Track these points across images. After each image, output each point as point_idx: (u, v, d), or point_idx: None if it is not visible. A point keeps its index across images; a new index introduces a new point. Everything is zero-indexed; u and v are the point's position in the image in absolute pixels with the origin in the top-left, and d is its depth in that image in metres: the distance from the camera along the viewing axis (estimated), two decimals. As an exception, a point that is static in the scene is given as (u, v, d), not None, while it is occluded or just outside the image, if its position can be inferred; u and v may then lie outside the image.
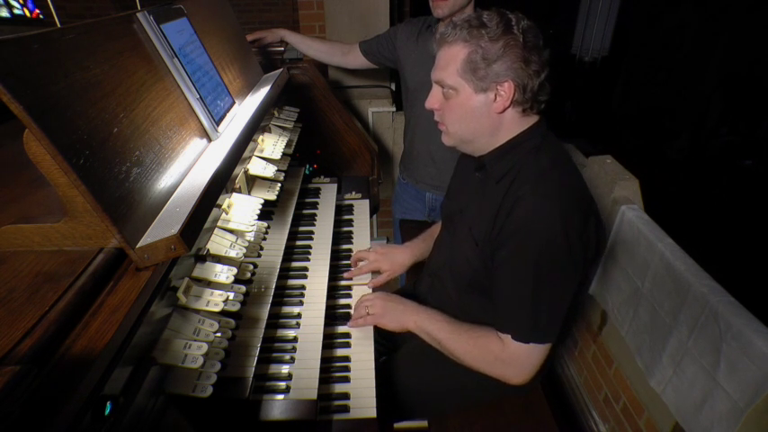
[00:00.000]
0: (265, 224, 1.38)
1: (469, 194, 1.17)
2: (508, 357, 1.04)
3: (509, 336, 1.03)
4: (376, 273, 1.46)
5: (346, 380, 1.12)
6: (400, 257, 1.47)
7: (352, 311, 1.31)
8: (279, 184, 1.35)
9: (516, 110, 1.01)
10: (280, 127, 1.52)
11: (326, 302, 1.27)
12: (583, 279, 1.06)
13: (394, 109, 2.48)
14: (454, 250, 1.20)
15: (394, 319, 1.20)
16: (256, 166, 1.27)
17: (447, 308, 1.22)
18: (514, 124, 1.03)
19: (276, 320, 1.19)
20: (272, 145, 1.38)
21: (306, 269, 1.38)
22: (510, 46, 0.95)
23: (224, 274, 0.91)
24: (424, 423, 1.35)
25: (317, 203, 1.70)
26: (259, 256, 1.27)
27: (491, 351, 1.06)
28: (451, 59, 0.99)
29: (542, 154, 1.02)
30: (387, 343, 1.49)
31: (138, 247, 0.73)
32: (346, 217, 1.74)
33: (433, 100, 1.07)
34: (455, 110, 1.03)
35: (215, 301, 0.86)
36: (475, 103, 1.00)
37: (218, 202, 1.01)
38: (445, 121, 1.07)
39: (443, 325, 1.14)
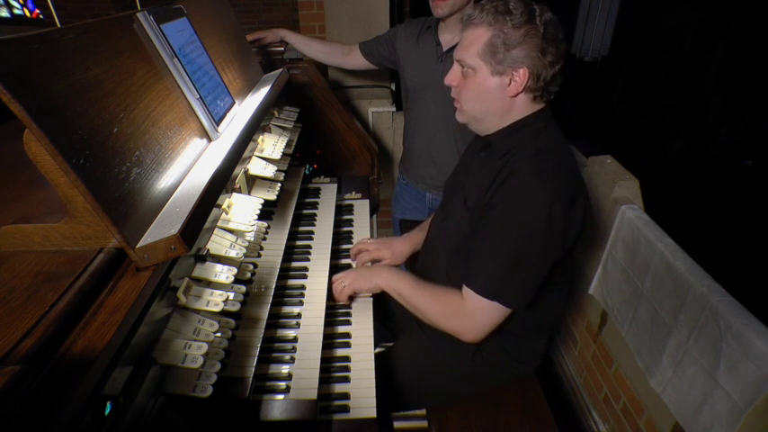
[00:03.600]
0: (265, 224, 1.38)
1: (472, 171, 1.22)
2: (468, 312, 1.09)
3: (472, 291, 1.07)
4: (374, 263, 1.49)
5: (346, 380, 1.12)
6: (400, 247, 1.49)
7: (352, 311, 1.32)
8: (279, 184, 1.35)
9: (527, 96, 1.07)
10: (280, 127, 1.53)
11: (326, 302, 1.27)
12: (566, 260, 1.11)
13: (394, 109, 2.48)
14: (447, 218, 1.26)
15: (367, 280, 1.28)
16: (256, 166, 1.27)
17: (436, 274, 1.27)
18: (524, 108, 1.09)
19: (276, 320, 1.19)
20: (272, 145, 1.38)
21: (306, 269, 1.38)
22: (530, 35, 1.00)
23: (224, 274, 0.91)
24: (424, 423, 1.35)
25: (316, 203, 1.70)
26: (259, 256, 1.27)
27: (451, 306, 1.12)
28: (474, 41, 1.05)
29: (542, 136, 1.08)
30: (387, 331, 1.51)
31: (138, 247, 0.73)
32: (346, 217, 1.74)
33: (452, 77, 1.13)
34: (471, 89, 1.09)
35: (215, 301, 0.86)
36: (490, 84, 1.06)
37: (218, 202, 1.01)
38: (461, 98, 1.13)
39: (410, 281, 1.22)
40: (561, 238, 1.03)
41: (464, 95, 1.11)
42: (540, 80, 1.04)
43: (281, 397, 1.00)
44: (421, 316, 1.19)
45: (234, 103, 1.25)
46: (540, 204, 0.99)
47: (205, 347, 0.80)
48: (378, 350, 1.26)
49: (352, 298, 1.34)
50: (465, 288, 1.10)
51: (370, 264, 1.47)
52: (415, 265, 1.47)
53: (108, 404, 0.60)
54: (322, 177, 1.87)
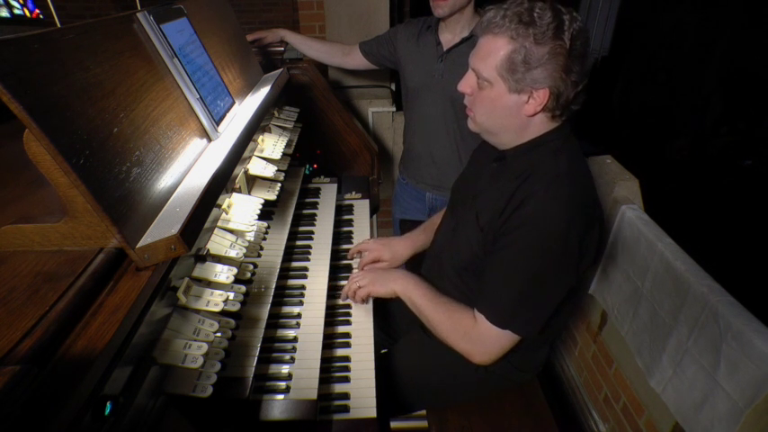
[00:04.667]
0: (265, 224, 1.38)
1: (484, 182, 1.17)
2: (477, 336, 1.07)
3: (483, 316, 1.04)
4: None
5: (346, 380, 1.12)
6: (401, 248, 1.48)
7: (352, 311, 1.32)
8: (279, 184, 1.35)
9: (546, 114, 1.01)
10: (280, 127, 1.52)
11: (326, 302, 1.27)
12: (576, 285, 1.06)
13: (394, 109, 2.48)
14: (458, 233, 1.21)
15: (383, 284, 1.24)
16: (256, 166, 1.27)
17: (445, 287, 1.24)
18: (541, 126, 1.03)
19: (276, 320, 1.19)
20: (272, 145, 1.38)
21: (306, 269, 1.38)
22: (555, 53, 0.91)
23: (224, 274, 0.91)
24: (424, 423, 1.35)
25: (317, 203, 1.70)
26: (259, 256, 1.27)
27: (462, 326, 1.09)
28: (492, 52, 0.96)
29: (561, 156, 1.01)
30: (387, 337, 1.50)
31: (138, 247, 0.73)
32: (346, 217, 1.74)
33: (466, 84, 1.05)
34: (485, 102, 1.02)
35: (215, 301, 0.86)
36: (507, 101, 0.99)
37: (218, 202, 1.01)
38: (474, 108, 1.06)
39: (426, 292, 1.18)
40: (576, 267, 0.99)
41: (478, 107, 1.05)
42: (562, 100, 0.96)
43: (281, 397, 1.00)
44: (432, 329, 1.17)
45: (234, 103, 1.25)
46: (556, 233, 0.95)
47: (205, 347, 0.80)
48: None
49: (365, 300, 1.32)
50: (477, 312, 1.07)
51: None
52: (416, 268, 1.46)
53: (108, 404, 0.60)
54: (322, 177, 1.87)
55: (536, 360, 1.30)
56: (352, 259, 1.49)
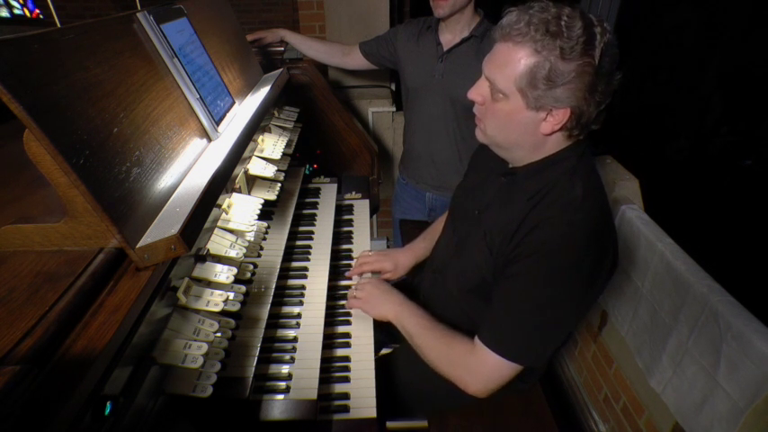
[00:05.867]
0: (265, 224, 1.38)
1: (491, 196, 1.10)
2: (476, 364, 1.00)
3: (486, 345, 0.98)
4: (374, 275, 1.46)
5: (346, 380, 1.12)
6: (402, 259, 1.46)
7: (352, 311, 1.32)
8: (279, 184, 1.35)
9: (563, 133, 0.93)
10: (280, 127, 1.52)
11: (326, 302, 1.27)
12: (583, 314, 1.03)
13: (394, 109, 2.48)
14: (464, 252, 1.14)
15: (376, 306, 1.21)
16: (256, 166, 1.27)
17: (448, 306, 1.21)
18: (556, 144, 0.96)
19: (276, 320, 1.19)
20: (272, 145, 1.38)
21: (306, 269, 1.38)
22: (582, 72, 0.82)
23: (224, 274, 0.91)
24: (424, 423, 1.35)
25: (316, 203, 1.70)
26: (259, 256, 1.27)
27: (457, 353, 1.03)
28: (511, 62, 0.86)
29: (577, 178, 0.94)
30: (388, 336, 1.50)
31: (138, 247, 0.73)
32: (346, 217, 1.74)
33: (477, 93, 0.95)
34: (498, 115, 0.93)
35: (215, 301, 0.86)
36: (523, 117, 0.90)
37: (219, 202, 1.01)
38: (485, 120, 0.97)
39: (420, 320, 1.13)
40: (587, 295, 0.96)
41: (489, 120, 0.95)
42: (583, 120, 0.89)
43: (281, 397, 1.00)
44: (424, 356, 1.11)
45: (234, 103, 1.25)
46: (569, 263, 0.90)
47: (205, 347, 0.80)
48: (381, 353, 1.25)
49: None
50: (478, 340, 1.00)
51: (370, 275, 1.44)
52: (416, 280, 1.45)
53: (108, 404, 0.60)
54: (322, 177, 1.87)
55: (538, 371, 1.29)
56: (355, 275, 1.45)
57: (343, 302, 1.36)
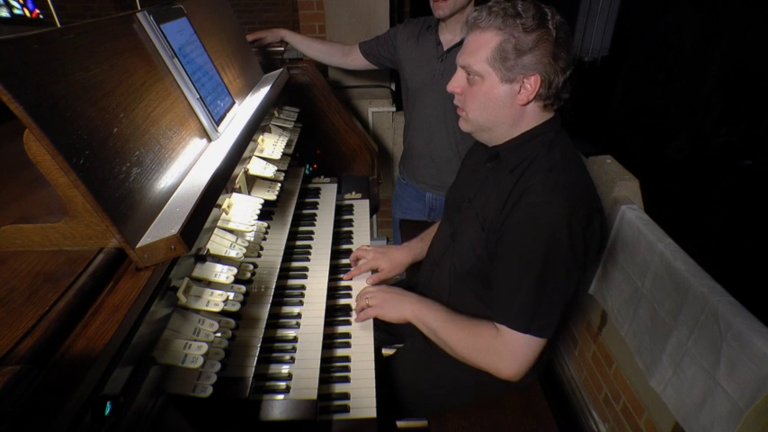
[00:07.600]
0: (265, 224, 1.38)
1: (479, 183, 1.17)
2: (502, 347, 1.03)
3: (506, 326, 1.02)
4: (374, 272, 1.46)
5: (346, 380, 1.12)
6: (399, 256, 1.46)
7: (352, 311, 1.31)
8: (279, 184, 1.35)
9: (538, 104, 1.02)
10: (280, 127, 1.52)
11: (326, 302, 1.27)
12: (582, 276, 1.05)
13: (394, 109, 2.48)
14: (458, 237, 1.19)
15: (393, 309, 1.21)
16: (256, 166, 1.27)
17: (448, 296, 1.22)
18: (534, 117, 1.04)
19: (276, 320, 1.19)
20: (272, 145, 1.38)
21: (306, 269, 1.38)
22: (543, 40, 0.95)
23: (224, 274, 0.91)
24: (424, 423, 1.35)
25: (317, 203, 1.70)
26: (259, 256, 1.27)
27: (485, 340, 1.06)
28: (482, 46, 0.98)
29: (555, 148, 1.03)
30: (388, 335, 1.50)
31: (138, 247, 0.73)
32: (346, 217, 1.74)
33: (456, 84, 1.06)
34: (478, 97, 1.03)
35: (215, 301, 0.86)
36: (499, 92, 1.00)
37: (218, 202, 1.01)
38: (466, 106, 1.06)
39: (440, 314, 1.15)
40: (583, 257, 0.98)
41: (470, 104, 1.05)
42: (552, 87, 0.99)
43: (281, 397, 1.00)
44: (451, 351, 1.13)
45: (234, 103, 1.25)
46: (559, 224, 0.94)
47: (205, 347, 0.80)
48: (381, 353, 1.25)
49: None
50: (498, 324, 1.04)
51: (370, 274, 1.44)
52: (415, 277, 1.45)
53: (108, 404, 0.60)
54: (322, 177, 1.87)
55: (538, 365, 1.29)
56: (354, 265, 1.46)
57: (343, 302, 1.36)
